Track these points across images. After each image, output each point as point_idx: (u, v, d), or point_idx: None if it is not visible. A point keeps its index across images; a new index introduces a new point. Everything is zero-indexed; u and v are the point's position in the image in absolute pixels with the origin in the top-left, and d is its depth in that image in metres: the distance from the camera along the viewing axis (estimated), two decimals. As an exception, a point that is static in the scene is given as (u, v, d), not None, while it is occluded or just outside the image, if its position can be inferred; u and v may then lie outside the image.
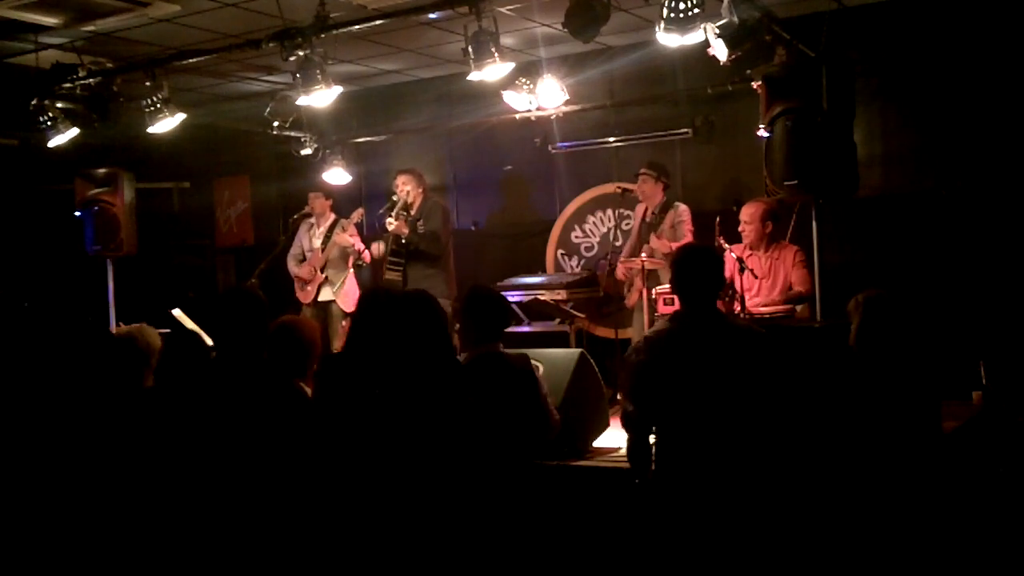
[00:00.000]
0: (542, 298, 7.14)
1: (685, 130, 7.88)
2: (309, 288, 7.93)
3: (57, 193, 8.70)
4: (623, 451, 5.38)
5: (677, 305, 5.81)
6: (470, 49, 5.73)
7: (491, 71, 5.80)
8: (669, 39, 5.10)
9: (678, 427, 3.63)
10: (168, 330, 5.90)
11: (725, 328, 3.72)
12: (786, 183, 5.55)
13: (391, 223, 7.49)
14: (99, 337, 4.30)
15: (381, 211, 7.91)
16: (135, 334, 3.98)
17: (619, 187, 7.30)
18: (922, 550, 3.47)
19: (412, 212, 7.59)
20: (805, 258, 6.03)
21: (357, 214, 7.91)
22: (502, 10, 6.33)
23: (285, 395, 3.41)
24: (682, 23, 4.99)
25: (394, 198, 7.68)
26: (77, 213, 8.09)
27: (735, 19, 5.20)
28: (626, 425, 3.81)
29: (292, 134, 8.50)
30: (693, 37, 5.08)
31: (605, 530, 4.50)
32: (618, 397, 6.89)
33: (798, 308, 6.07)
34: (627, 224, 7.75)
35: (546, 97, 6.93)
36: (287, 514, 3.15)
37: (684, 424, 3.60)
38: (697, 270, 3.72)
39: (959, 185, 6.76)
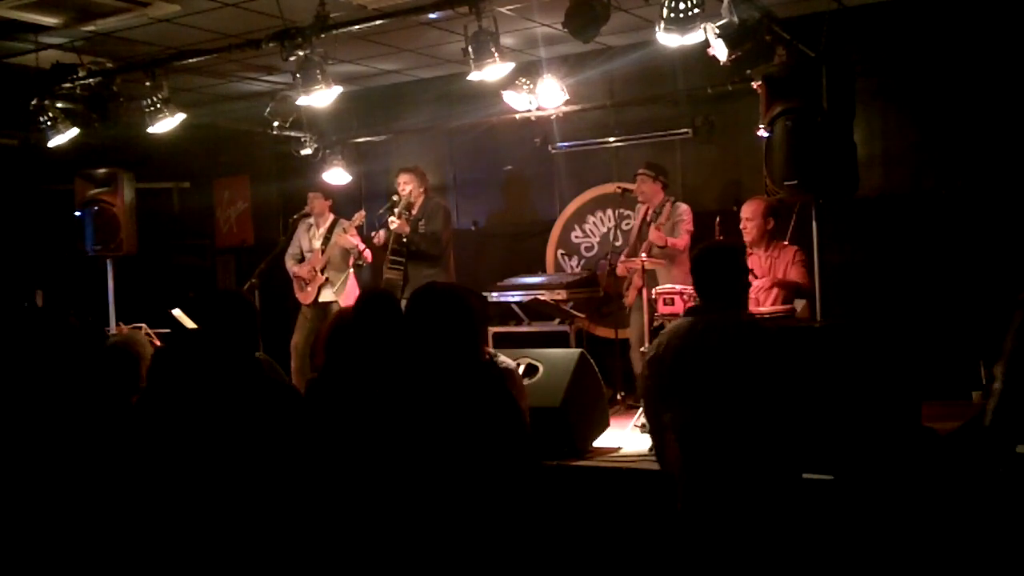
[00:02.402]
0: (542, 298, 7.15)
1: (685, 130, 7.88)
2: (309, 289, 7.91)
3: (57, 193, 8.70)
4: (623, 451, 5.43)
5: (677, 305, 5.89)
6: (470, 49, 5.73)
7: (491, 71, 5.80)
8: (669, 39, 5.10)
9: (688, 422, 3.57)
10: (168, 330, 5.95)
11: (739, 325, 3.65)
12: (786, 183, 5.55)
13: (393, 222, 7.49)
14: (96, 339, 4.30)
15: (382, 211, 7.91)
16: (128, 340, 3.98)
17: (619, 187, 7.30)
18: (924, 549, 3.47)
19: (414, 212, 7.59)
20: (805, 259, 6.02)
21: (359, 216, 7.88)
22: (502, 10, 6.32)
23: (279, 394, 3.41)
24: (682, 23, 4.99)
25: (395, 197, 7.68)
26: (77, 213, 8.09)
27: (735, 19, 5.20)
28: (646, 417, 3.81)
29: (292, 134, 8.50)
30: (693, 37, 5.08)
31: (605, 529, 4.51)
32: (618, 397, 6.95)
33: (798, 308, 6.07)
34: (627, 224, 7.75)
35: (546, 97, 6.93)
36: (285, 516, 3.15)
37: (693, 418, 3.55)
38: (714, 269, 3.68)
39: (959, 185, 6.76)
